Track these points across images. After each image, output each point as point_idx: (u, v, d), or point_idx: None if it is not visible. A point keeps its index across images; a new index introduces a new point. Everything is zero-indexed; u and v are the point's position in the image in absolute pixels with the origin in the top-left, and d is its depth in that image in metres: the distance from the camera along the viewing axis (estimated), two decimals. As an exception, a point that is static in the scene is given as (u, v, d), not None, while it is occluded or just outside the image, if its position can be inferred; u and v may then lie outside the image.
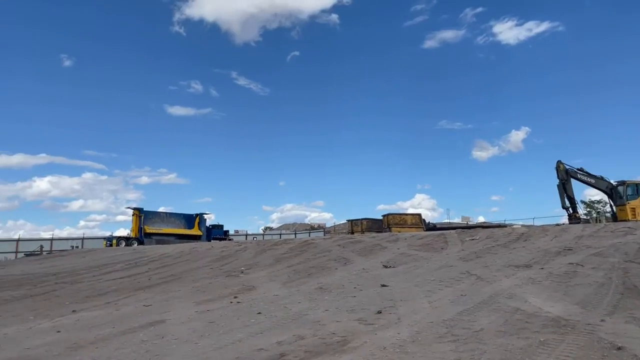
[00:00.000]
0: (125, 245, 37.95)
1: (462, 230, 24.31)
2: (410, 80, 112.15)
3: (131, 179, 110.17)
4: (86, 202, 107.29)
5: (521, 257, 13.07)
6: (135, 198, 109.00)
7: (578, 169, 32.93)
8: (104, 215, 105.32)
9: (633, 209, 31.23)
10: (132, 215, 42.56)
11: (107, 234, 45.82)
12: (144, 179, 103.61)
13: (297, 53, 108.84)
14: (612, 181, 33.13)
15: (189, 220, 46.28)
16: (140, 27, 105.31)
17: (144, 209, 43.07)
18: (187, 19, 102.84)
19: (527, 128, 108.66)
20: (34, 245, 44.76)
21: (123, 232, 45.84)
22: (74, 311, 10.11)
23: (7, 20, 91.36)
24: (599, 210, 57.98)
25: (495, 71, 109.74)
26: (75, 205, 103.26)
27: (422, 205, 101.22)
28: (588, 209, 59.93)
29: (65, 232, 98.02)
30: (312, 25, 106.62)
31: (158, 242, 39.05)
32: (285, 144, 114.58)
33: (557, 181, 32.55)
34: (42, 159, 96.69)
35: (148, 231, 41.81)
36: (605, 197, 37.66)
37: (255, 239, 46.99)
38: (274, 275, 14.40)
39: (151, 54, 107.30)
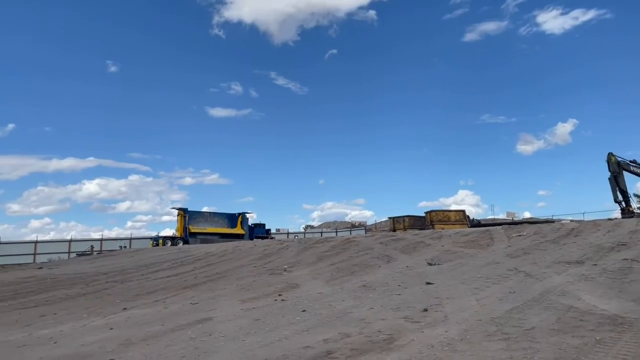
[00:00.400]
0: (171, 245, 38.84)
1: (508, 227, 23.70)
2: (451, 74, 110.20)
3: (175, 180, 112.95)
4: (133, 203, 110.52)
5: (572, 253, 12.63)
6: (179, 199, 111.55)
7: (631, 161, 31.61)
8: (150, 216, 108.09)
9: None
10: (177, 215, 43.51)
11: (154, 234, 47.04)
12: (188, 180, 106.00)
13: (334, 51, 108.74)
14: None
15: (232, 219, 46.96)
16: (181, 31, 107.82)
17: (189, 209, 43.95)
18: (226, 21, 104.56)
19: (574, 120, 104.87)
20: (85, 246, 46.48)
21: (168, 232, 46.90)
22: (124, 309, 10.41)
23: (53, 29, 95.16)
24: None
25: (540, 62, 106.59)
26: (123, 206, 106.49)
27: (465, 201, 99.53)
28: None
29: (113, 233, 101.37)
30: (350, 23, 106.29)
31: (202, 241, 39.77)
32: (325, 142, 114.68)
33: (608, 174, 31.39)
34: (91, 162, 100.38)
35: (193, 231, 42.64)
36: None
37: (296, 237, 47.24)
38: (316, 273, 14.43)
39: (192, 57, 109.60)
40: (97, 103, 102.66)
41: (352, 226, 75.26)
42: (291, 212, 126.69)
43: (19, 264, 37.32)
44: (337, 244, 21.62)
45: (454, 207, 55.25)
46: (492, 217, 62.03)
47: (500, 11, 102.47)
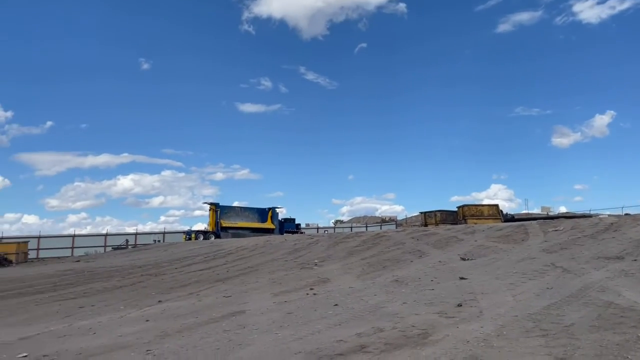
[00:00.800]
0: (203, 239, 39.36)
1: (543, 221, 23.17)
2: (483, 66, 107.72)
3: (207, 176, 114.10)
4: (166, 198, 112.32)
5: (611, 249, 12.26)
6: (211, 194, 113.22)
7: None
8: (183, 211, 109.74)
9: None
10: (209, 210, 44.04)
11: (186, 228, 47.90)
12: (219, 175, 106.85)
13: (364, 45, 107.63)
14: None
15: (262, 214, 47.28)
16: (211, 28, 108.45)
17: (220, 204, 44.42)
18: (255, 17, 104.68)
19: (612, 112, 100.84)
20: (120, 240, 47.63)
21: (200, 226, 47.62)
22: (159, 301, 10.61)
23: (88, 29, 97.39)
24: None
25: (576, 53, 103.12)
26: (156, 201, 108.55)
27: (498, 195, 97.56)
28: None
29: (147, 227, 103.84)
30: (379, 16, 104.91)
31: (233, 236, 40.18)
32: (354, 137, 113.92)
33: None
34: (125, 158, 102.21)
35: (224, 225, 43.09)
36: None
37: (326, 232, 47.34)
38: (347, 267, 14.41)
39: (222, 54, 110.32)
40: (130, 100, 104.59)
41: (383, 221, 74.87)
42: (320, 207, 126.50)
43: (58, 257, 38.51)
44: (368, 239, 21.53)
45: (486, 202, 54.33)
46: (526, 211, 60.77)
47: (535, 1, 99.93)
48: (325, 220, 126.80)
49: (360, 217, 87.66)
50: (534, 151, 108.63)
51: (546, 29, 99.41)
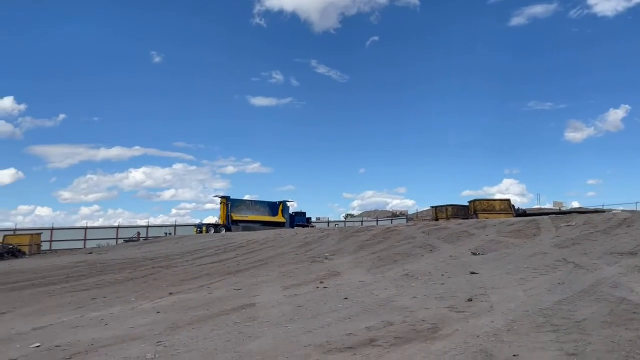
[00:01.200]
0: (214, 232, 39.58)
1: (555, 216, 22.98)
2: (496, 60, 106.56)
3: (218, 169, 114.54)
4: (177, 191, 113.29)
5: (625, 244, 12.13)
6: (222, 187, 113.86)
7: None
8: (194, 204, 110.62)
9: None
10: (220, 203, 44.24)
11: (197, 221, 48.00)
12: (230, 169, 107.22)
13: (376, 38, 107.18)
14: None
15: (273, 207, 47.41)
16: (223, 21, 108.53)
17: (231, 197, 44.61)
18: (266, 10, 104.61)
19: (627, 106, 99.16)
20: (132, 232, 48.02)
21: (211, 219, 47.78)
22: (170, 293, 10.69)
23: (100, 23, 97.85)
24: None
25: (591, 46, 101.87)
26: (167, 194, 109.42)
27: (510, 190, 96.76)
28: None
29: (159, 220, 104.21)
30: (391, 9, 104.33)
31: (244, 229, 40.33)
32: (365, 131, 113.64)
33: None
34: (137, 151, 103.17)
35: (235, 218, 43.29)
36: None
37: (336, 226, 47.35)
38: (358, 261, 14.41)
39: (234, 47, 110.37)
40: (142, 94, 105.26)
41: (393, 215, 74.73)
42: (331, 201, 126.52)
43: (71, 249, 38.96)
44: (378, 233, 21.52)
45: (498, 196, 53.93)
46: (538, 206, 60.25)
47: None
48: (336, 214, 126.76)
49: (370, 211, 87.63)
50: (546, 146, 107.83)
51: (560, 22, 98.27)
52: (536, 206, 60.81)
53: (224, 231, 40.01)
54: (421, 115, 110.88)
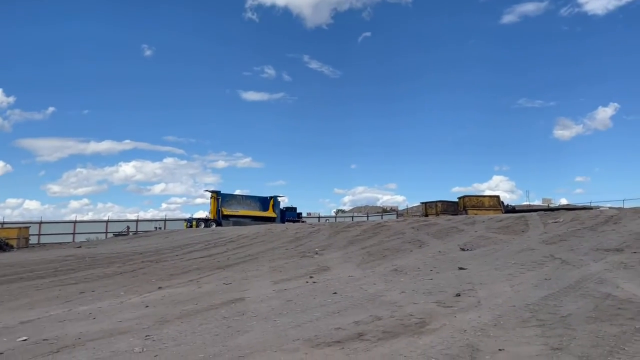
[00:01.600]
0: (204, 227, 39.49)
1: (544, 213, 23.19)
2: (487, 58, 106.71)
3: (209, 163, 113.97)
4: (167, 185, 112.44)
5: (611, 241, 12.28)
6: (212, 181, 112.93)
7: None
8: (184, 198, 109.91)
9: None
10: (210, 198, 44.16)
11: (187, 216, 47.89)
12: (221, 163, 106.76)
13: (368, 34, 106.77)
14: None
15: (264, 202, 47.40)
16: (215, 15, 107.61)
17: (221, 192, 44.54)
18: (259, 5, 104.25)
19: (615, 104, 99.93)
20: (122, 226, 47.81)
21: (202, 214, 47.67)
22: (160, 288, 10.67)
23: (91, 15, 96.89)
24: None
25: (581, 44, 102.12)
26: (158, 188, 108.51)
27: (500, 187, 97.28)
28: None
29: (149, 214, 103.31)
30: (384, 5, 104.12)
31: (235, 224, 40.27)
32: (357, 127, 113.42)
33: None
34: (127, 145, 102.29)
35: (225, 213, 43.22)
36: None
37: (327, 221, 47.43)
38: (347, 256, 14.46)
39: (226, 42, 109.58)
40: (133, 87, 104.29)
41: (384, 211, 74.99)
42: (322, 196, 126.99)
43: (59, 243, 38.66)
44: (368, 228, 21.59)
45: (488, 193, 54.31)
46: (527, 203, 60.65)
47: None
48: (327, 209, 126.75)
49: (361, 207, 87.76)
50: (536, 143, 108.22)
51: (551, 20, 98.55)
52: (525, 203, 61.26)
53: (214, 226, 39.92)
54: (413, 112, 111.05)
